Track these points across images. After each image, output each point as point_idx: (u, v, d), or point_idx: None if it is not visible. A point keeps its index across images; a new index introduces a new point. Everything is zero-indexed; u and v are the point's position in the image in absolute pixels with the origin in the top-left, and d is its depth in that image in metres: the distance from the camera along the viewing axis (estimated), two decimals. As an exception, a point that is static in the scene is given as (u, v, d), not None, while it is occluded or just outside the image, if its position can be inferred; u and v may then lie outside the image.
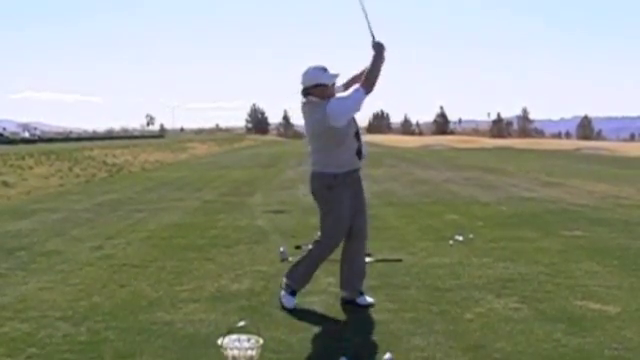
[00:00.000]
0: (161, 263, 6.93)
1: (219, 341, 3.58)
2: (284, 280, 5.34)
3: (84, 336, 4.57)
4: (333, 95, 5.03)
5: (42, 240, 8.48)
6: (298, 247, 7.49)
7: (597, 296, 5.53)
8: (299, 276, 5.30)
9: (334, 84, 5.12)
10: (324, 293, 5.59)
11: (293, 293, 5.28)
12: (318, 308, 5.25)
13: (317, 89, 5.04)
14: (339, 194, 5.11)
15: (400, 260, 6.98)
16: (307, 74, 5.09)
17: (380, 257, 7.03)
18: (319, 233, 5.25)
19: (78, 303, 5.40)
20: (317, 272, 5.43)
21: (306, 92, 5.11)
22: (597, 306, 5.23)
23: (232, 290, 5.79)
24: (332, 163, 5.09)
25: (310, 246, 5.35)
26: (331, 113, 4.91)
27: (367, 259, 6.74)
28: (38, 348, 4.33)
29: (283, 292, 5.30)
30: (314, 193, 5.25)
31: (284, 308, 5.18)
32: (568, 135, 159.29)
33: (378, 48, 5.07)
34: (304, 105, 5.18)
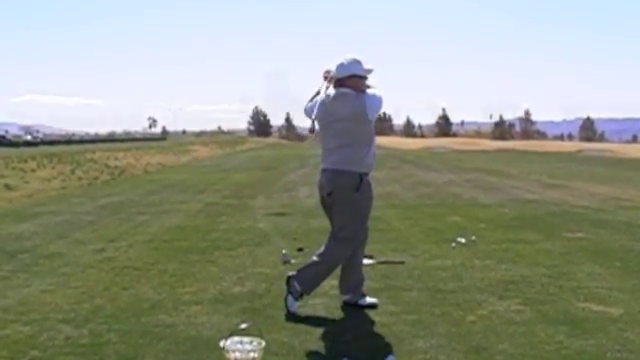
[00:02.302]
0: (163, 266, 6.93)
1: (221, 343, 3.58)
2: (294, 284, 5.13)
3: (86, 339, 4.57)
4: (365, 88, 5.05)
5: (44, 243, 8.48)
6: (300, 249, 7.50)
7: (599, 298, 5.52)
8: (310, 279, 5.16)
9: (367, 77, 5.10)
10: (326, 296, 5.57)
11: (300, 297, 5.16)
12: (320, 311, 5.23)
13: (352, 80, 5.02)
14: (366, 194, 5.09)
15: (402, 262, 6.98)
16: (342, 65, 5.05)
17: (382, 259, 7.03)
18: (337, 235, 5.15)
19: (80, 306, 5.40)
20: None
21: (339, 84, 5.07)
22: (599, 308, 5.23)
23: (234, 292, 5.79)
24: (360, 162, 5.02)
25: (322, 248, 5.20)
26: (370, 104, 4.94)
27: (370, 261, 6.76)
28: (40, 351, 4.33)
29: (290, 296, 5.15)
30: (334, 193, 5.06)
31: (287, 311, 5.16)
32: (570, 137, 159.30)
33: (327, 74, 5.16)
34: (334, 98, 5.05)
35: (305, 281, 5.14)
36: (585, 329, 4.70)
